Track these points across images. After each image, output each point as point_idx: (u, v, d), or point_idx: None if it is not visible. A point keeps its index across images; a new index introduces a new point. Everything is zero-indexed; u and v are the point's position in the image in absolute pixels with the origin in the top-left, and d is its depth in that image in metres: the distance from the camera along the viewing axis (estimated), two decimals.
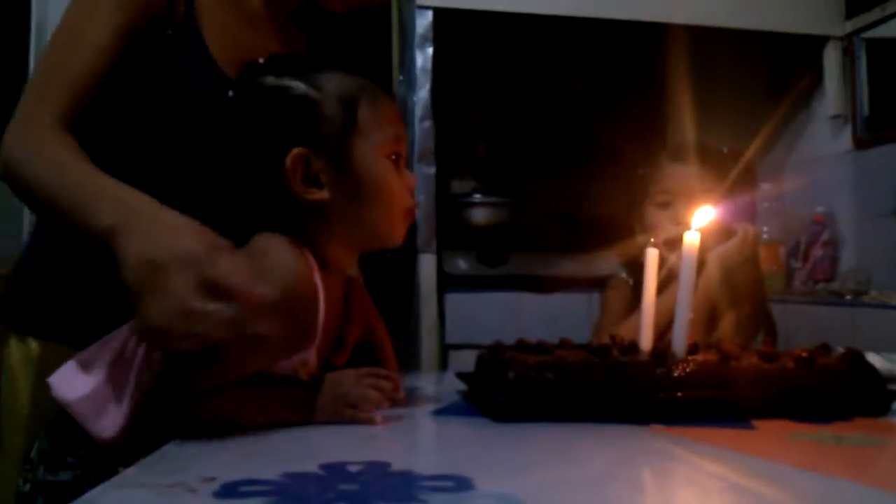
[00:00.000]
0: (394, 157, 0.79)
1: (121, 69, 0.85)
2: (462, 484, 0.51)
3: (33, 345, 0.92)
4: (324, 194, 0.75)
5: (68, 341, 0.86)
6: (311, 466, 0.56)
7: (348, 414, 0.71)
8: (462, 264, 2.14)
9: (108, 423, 0.73)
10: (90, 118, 0.83)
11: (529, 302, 2.13)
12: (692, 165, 1.31)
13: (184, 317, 0.61)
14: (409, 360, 1.93)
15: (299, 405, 0.72)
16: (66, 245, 0.91)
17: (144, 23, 0.86)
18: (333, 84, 0.76)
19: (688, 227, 1.18)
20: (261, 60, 0.80)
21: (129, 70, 0.86)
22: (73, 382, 0.75)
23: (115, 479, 0.54)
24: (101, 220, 0.69)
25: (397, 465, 0.57)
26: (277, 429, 0.70)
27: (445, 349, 2.01)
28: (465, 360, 1.97)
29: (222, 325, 0.62)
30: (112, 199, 0.71)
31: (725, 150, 1.41)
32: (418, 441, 0.70)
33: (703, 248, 0.91)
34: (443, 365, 1.97)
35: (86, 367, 0.75)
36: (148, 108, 0.89)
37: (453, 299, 2.06)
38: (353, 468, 0.56)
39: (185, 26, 0.89)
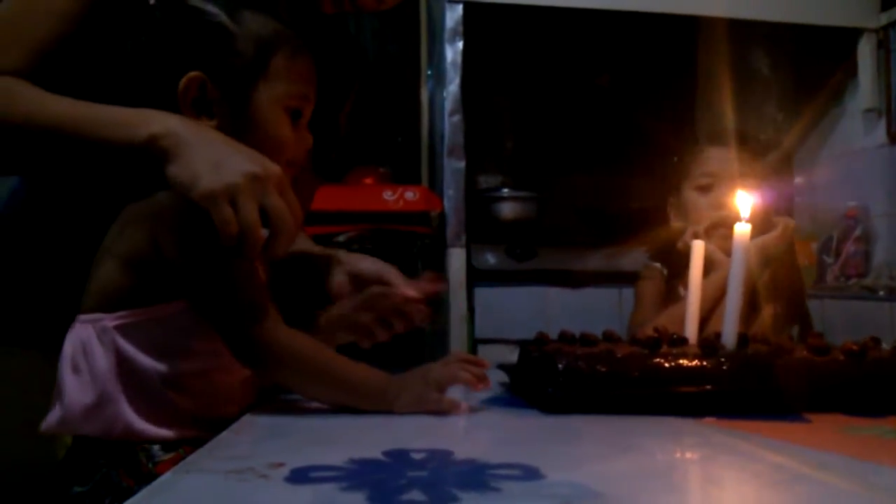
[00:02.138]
0: (293, 111, 0.79)
1: (97, 37, 0.83)
2: (530, 473, 0.51)
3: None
4: (211, 124, 0.76)
5: (35, 345, 0.86)
6: (375, 453, 0.56)
7: (434, 399, 0.71)
8: (491, 259, 2.13)
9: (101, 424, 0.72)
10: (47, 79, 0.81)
11: (558, 296, 2.12)
12: (733, 149, 1.30)
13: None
14: (438, 355, 1.92)
15: (385, 398, 0.73)
16: (34, 240, 0.90)
17: None
18: (257, 24, 0.77)
19: (731, 211, 1.17)
20: None
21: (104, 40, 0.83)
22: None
23: (181, 465, 0.54)
24: (147, 128, 0.71)
25: (460, 453, 0.57)
26: (337, 415, 0.70)
27: (474, 343, 2.01)
28: (495, 354, 1.97)
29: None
30: (148, 112, 0.73)
31: (762, 138, 1.41)
32: (474, 431, 0.70)
33: None
34: None
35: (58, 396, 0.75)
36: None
37: (482, 294, 2.05)
38: (416, 455, 0.56)
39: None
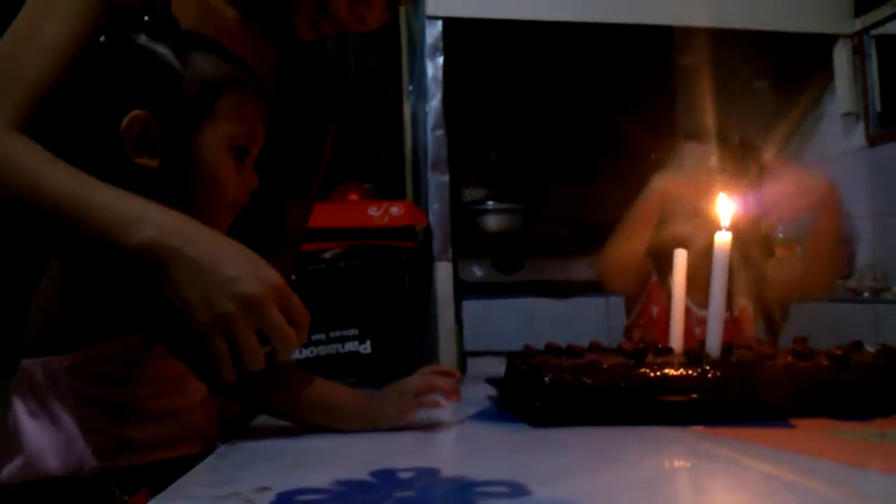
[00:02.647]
0: (238, 150, 0.78)
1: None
2: (517, 489, 0.51)
3: None
4: (152, 163, 0.74)
5: None
6: (362, 474, 0.56)
7: (413, 404, 0.71)
8: (477, 271, 2.13)
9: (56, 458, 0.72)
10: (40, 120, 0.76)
11: (545, 307, 2.12)
12: (710, 145, 1.31)
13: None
14: None
15: (368, 417, 0.73)
16: None
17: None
18: (205, 65, 0.76)
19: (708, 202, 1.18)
20: (146, 18, 0.78)
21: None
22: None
23: (166, 492, 0.53)
24: (141, 232, 0.67)
25: (447, 471, 0.57)
26: (321, 435, 0.70)
27: (464, 356, 2.01)
28: (484, 367, 1.97)
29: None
30: (144, 210, 0.69)
31: (737, 139, 1.41)
32: (461, 447, 0.70)
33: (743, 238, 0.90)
34: (461, 372, 1.96)
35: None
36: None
37: (470, 306, 2.05)
38: (403, 475, 0.55)
39: None
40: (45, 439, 0.71)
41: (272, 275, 0.69)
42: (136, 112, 0.73)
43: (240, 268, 0.68)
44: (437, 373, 0.78)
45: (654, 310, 1.32)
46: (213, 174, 0.76)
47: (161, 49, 0.75)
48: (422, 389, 0.74)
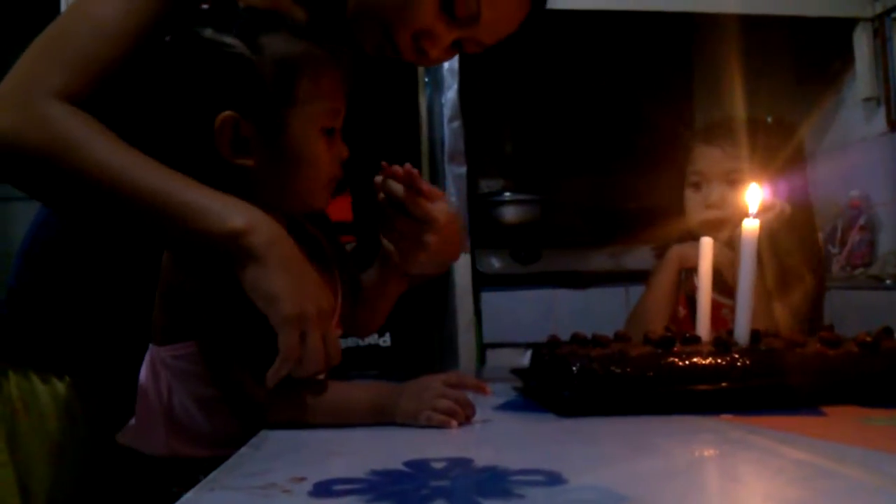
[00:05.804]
0: (326, 130, 0.77)
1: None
2: (553, 478, 0.51)
3: (35, 380, 0.87)
4: (249, 161, 0.75)
5: (69, 372, 0.86)
6: (395, 464, 0.56)
7: (424, 416, 0.70)
8: (496, 263, 2.13)
9: (156, 444, 0.77)
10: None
11: (564, 298, 2.12)
12: (722, 146, 1.29)
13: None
14: (447, 360, 1.93)
15: (382, 412, 0.72)
16: (70, 266, 0.88)
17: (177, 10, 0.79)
18: (276, 47, 0.74)
19: (720, 210, 1.19)
20: (205, 6, 0.77)
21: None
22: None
23: (203, 483, 0.54)
24: (235, 220, 0.69)
25: (480, 461, 0.57)
26: (353, 427, 0.71)
27: (483, 348, 2.01)
28: (503, 358, 1.97)
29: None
30: (227, 198, 0.72)
31: (769, 119, 1.39)
32: (492, 437, 0.70)
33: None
34: (481, 363, 1.97)
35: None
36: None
37: (488, 298, 2.05)
38: (437, 465, 0.56)
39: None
40: (144, 417, 0.76)
41: (332, 298, 0.75)
42: (224, 114, 0.73)
43: (315, 279, 0.72)
44: (464, 386, 0.74)
45: (681, 311, 1.31)
46: (309, 158, 0.76)
47: (229, 39, 0.74)
48: (438, 407, 0.70)
